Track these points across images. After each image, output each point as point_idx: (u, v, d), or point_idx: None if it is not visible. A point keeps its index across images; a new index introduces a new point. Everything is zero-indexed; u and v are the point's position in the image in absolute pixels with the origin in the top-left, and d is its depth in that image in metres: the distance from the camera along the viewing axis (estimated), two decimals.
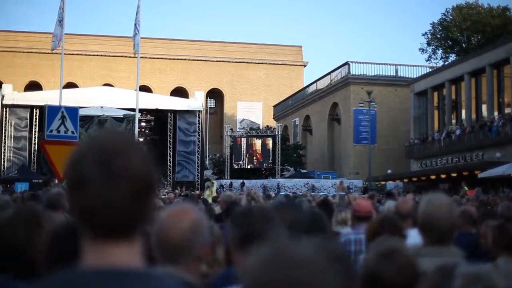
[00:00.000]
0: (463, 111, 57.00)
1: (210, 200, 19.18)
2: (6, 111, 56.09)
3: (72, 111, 14.69)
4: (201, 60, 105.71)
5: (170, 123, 58.75)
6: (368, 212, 7.05)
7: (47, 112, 14.40)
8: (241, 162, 68.48)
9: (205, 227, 2.75)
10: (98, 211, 1.63)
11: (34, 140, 55.36)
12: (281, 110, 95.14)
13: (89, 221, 1.66)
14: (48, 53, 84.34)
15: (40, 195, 9.70)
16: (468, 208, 7.86)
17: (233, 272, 3.32)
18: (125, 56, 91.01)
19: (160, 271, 2.32)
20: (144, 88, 79.60)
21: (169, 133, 58.76)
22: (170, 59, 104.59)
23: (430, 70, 67.22)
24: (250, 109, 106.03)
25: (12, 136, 55.92)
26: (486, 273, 2.42)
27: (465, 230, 7.16)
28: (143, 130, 57.56)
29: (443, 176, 53.45)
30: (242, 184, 60.54)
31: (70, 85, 79.77)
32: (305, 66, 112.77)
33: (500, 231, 5.53)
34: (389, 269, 3.02)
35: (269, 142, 67.96)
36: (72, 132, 14.12)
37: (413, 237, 5.08)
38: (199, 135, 59.49)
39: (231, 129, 74.83)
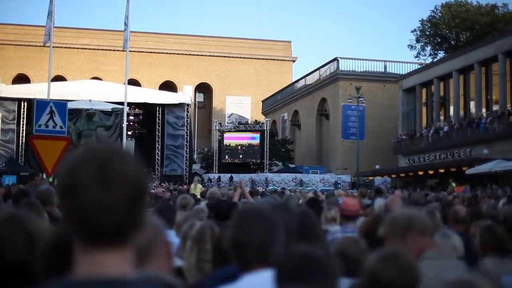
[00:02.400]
0: (451, 108, 57.18)
1: (197, 194, 19.20)
2: None
3: (61, 106, 14.64)
4: (190, 55, 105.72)
5: (158, 117, 58.73)
6: (355, 212, 7.07)
7: (35, 107, 14.34)
8: (227, 156, 68.48)
9: (164, 229, 2.79)
10: (93, 215, 1.63)
11: (22, 133, 55.28)
12: (270, 105, 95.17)
13: (83, 226, 1.65)
14: (37, 46, 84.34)
15: (29, 191, 9.66)
16: (458, 208, 7.88)
17: (229, 271, 3.32)
18: (114, 50, 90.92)
19: (147, 277, 2.32)
20: (133, 82, 79.58)
21: (157, 127, 58.74)
22: (159, 53, 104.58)
23: (419, 66, 67.38)
24: (239, 103, 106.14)
25: (0, 128, 55.73)
26: (472, 281, 2.44)
27: (454, 229, 7.18)
28: (131, 123, 57.41)
29: (430, 172, 53.65)
30: (231, 178, 60.58)
31: (59, 78, 79.55)
32: (294, 61, 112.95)
33: (488, 232, 5.57)
34: (390, 270, 3.04)
35: (257, 136, 67.97)
36: (61, 127, 14.08)
37: None
38: (187, 129, 59.47)
39: (220, 123, 74.88)
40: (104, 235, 1.66)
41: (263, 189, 36.37)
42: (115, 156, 1.70)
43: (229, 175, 62.03)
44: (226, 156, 68.52)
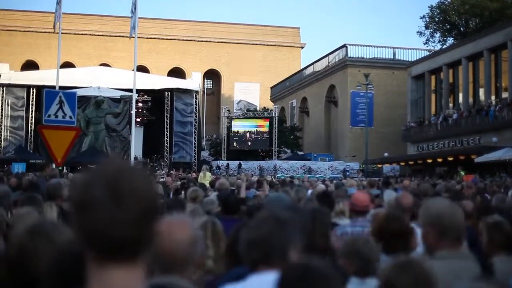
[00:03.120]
0: (460, 95, 57.01)
1: (206, 184, 19.20)
2: (3, 91, 56.08)
3: (70, 95, 14.65)
4: (198, 41, 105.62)
5: (167, 103, 58.72)
6: (365, 207, 7.04)
7: (45, 97, 14.36)
8: (236, 143, 68.50)
9: (200, 240, 2.79)
10: (104, 230, 1.65)
11: (31, 120, 55.40)
12: (278, 91, 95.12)
13: (95, 242, 1.67)
14: (45, 32, 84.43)
15: (40, 184, 9.68)
16: (464, 202, 7.86)
17: (241, 272, 3.34)
18: (123, 36, 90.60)
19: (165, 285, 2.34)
20: (141, 69, 79.61)
21: (166, 113, 58.73)
22: (167, 39, 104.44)
23: (428, 53, 67.18)
24: (248, 90, 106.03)
25: (9, 115, 55.94)
26: None
27: None
28: (140, 110, 57.44)
29: (439, 160, 53.55)
30: (239, 165, 60.66)
31: (67, 65, 79.62)
32: (302, 47, 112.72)
33: (495, 229, 5.52)
34: (406, 279, 3.05)
35: (266, 123, 67.94)
36: (70, 117, 14.09)
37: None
38: (196, 116, 59.47)
39: (228, 110, 74.82)
40: (115, 251, 1.68)
41: (272, 177, 36.49)
42: (126, 173, 1.71)
43: (237, 162, 62.12)
44: (235, 143, 68.52)
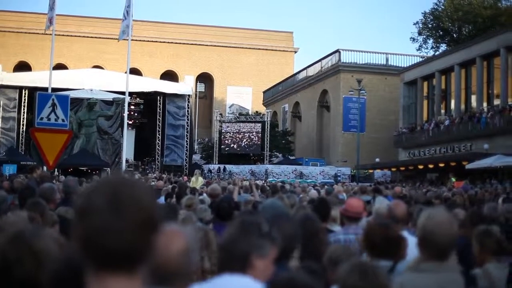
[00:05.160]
0: (453, 102, 57.13)
1: (198, 188, 19.19)
2: None
3: (63, 98, 14.65)
4: (191, 44, 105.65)
5: (159, 106, 58.68)
6: (359, 213, 7.03)
7: (37, 100, 14.36)
8: (227, 148, 68.46)
9: (195, 250, 2.79)
10: (102, 239, 1.66)
11: (23, 121, 55.27)
12: (271, 96, 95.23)
13: (93, 250, 1.69)
14: (38, 33, 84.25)
15: (34, 187, 9.63)
16: (457, 211, 7.87)
17: None
18: (116, 39, 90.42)
19: None
20: (134, 71, 79.49)
21: (158, 116, 58.69)
22: (160, 42, 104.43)
23: (421, 59, 67.32)
24: (240, 94, 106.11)
25: (0, 116, 55.76)
26: None
27: None
28: (132, 113, 57.42)
29: (430, 166, 53.69)
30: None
31: (60, 66, 79.50)
32: (295, 52, 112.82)
33: (486, 236, 5.57)
34: (354, 277, 3.05)
35: (258, 127, 67.91)
36: (63, 120, 14.09)
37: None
38: (188, 119, 59.44)
39: (221, 114, 74.85)
40: (113, 260, 1.70)
41: (263, 182, 36.44)
42: (128, 185, 1.75)
43: (230, 166, 62.26)
44: (226, 147, 68.46)
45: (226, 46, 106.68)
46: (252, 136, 68.01)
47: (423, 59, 66.86)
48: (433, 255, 4.13)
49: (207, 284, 3.18)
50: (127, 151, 48.48)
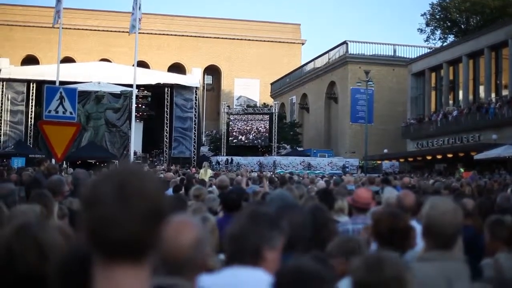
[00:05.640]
0: (460, 92, 57.03)
1: (207, 180, 19.24)
2: (3, 85, 56.12)
3: (71, 91, 14.66)
4: (199, 37, 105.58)
5: (167, 99, 58.72)
6: (367, 204, 7.03)
7: (45, 92, 14.36)
8: (235, 140, 68.43)
9: (206, 241, 2.78)
10: (108, 229, 1.66)
11: (31, 114, 55.45)
12: (278, 87, 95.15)
13: (99, 240, 1.69)
14: (46, 27, 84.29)
15: (41, 180, 9.66)
16: (465, 200, 7.81)
17: None
18: (123, 32, 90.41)
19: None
20: (142, 64, 79.54)
21: (166, 109, 58.74)
22: (168, 35, 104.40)
23: (428, 50, 67.14)
24: (247, 86, 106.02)
25: (9, 110, 55.96)
26: None
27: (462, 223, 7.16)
28: (140, 106, 57.53)
29: (439, 156, 53.61)
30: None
31: (67, 60, 79.51)
32: (303, 44, 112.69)
33: (497, 225, 5.53)
34: (361, 270, 2.98)
35: (266, 119, 67.89)
36: (71, 113, 14.10)
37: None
38: (196, 112, 59.50)
39: (228, 106, 74.81)
40: (119, 250, 1.69)
41: (271, 173, 36.46)
42: (136, 174, 1.73)
43: (238, 158, 62.26)
44: (234, 139, 68.47)
45: (233, 38, 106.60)
46: (260, 128, 67.99)
47: (431, 50, 66.71)
48: (437, 244, 4.10)
49: (218, 275, 3.18)
50: (135, 144, 48.59)
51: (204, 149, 72.47)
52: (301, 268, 2.66)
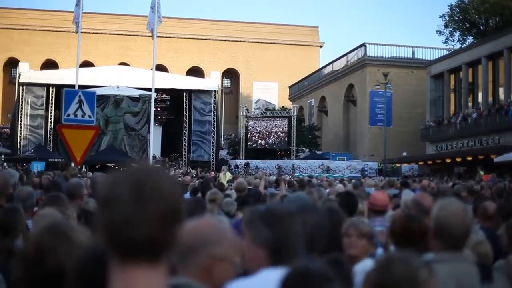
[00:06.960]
0: (480, 94, 56.68)
1: (225, 184, 19.27)
2: (22, 90, 56.52)
3: (89, 95, 14.73)
4: (217, 40, 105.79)
5: (185, 102, 58.95)
6: (384, 206, 7.04)
7: (64, 96, 14.47)
8: (254, 144, 68.38)
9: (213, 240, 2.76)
10: (124, 229, 1.67)
11: (50, 119, 55.84)
12: (297, 91, 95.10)
13: (115, 240, 1.70)
14: (65, 31, 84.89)
15: (60, 183, 9.73)
16: (487, 204, 7.76)
17: None
18: (142, 35, 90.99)
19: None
20: (160, 68, 79.81)
21: (184, 112, 58.96)
22: (186, 38, 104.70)
23: (447, 52, 66.82)
24: (266, 89, 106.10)
25: (29, 114, 56.36)
26: None
27: (482, 225, 7.15)
28: (158, 109, 57.80)
29: (458, 159, 53.32)
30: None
31: (86, 64, 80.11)
32: (321, 47, 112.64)
33: None
34: (388, 280, 2.95)
35: (285, 123, 67.85)
36: (89, 116, 14.18)
37: None
38: (214, 115, 59.65)
39: (247, 109, 74.79)
40: (136, 250, 1.70)
41: (290, 177, 36.46)
42: (153, 174, 1.74)
43: (256, 161, 62.23)
44: (253, 144, 68.44)
45: (251, 42, 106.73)
46: (279, 132, 67.94)
47: (450, 52, 66.38)
48: (447, 246, 4.11)
49: (250, 278, 3.15)
50: (154, 147, 48.73)
51: (223, 153, 72.51)
52: (308, 268, 2.66)
